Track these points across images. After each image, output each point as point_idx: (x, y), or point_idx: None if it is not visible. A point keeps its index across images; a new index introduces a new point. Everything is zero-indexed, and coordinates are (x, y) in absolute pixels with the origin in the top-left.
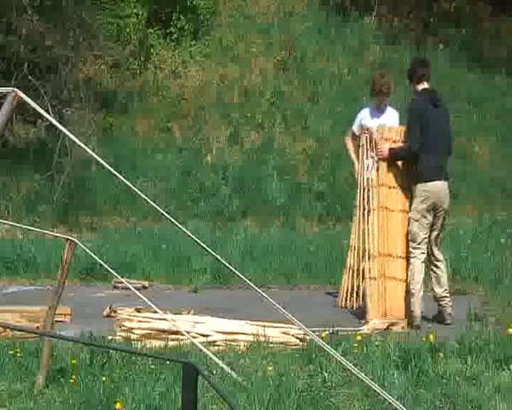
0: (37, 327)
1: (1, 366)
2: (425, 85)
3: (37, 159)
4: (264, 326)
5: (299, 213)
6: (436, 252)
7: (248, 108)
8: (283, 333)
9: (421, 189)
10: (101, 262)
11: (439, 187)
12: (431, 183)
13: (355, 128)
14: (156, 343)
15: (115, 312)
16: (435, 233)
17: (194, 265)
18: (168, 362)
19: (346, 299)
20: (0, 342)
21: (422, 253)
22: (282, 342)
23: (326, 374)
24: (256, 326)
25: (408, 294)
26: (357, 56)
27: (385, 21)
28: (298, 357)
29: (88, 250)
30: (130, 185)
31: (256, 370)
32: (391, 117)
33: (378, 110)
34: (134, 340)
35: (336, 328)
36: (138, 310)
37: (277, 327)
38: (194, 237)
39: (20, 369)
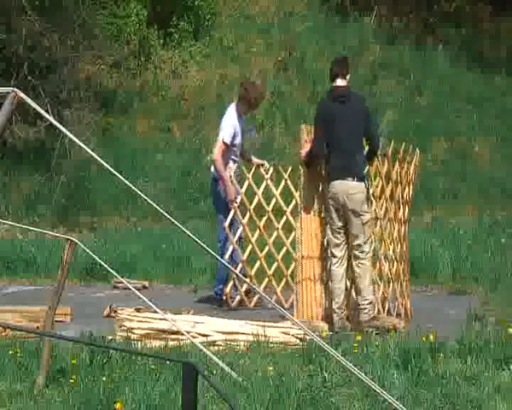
0: (37, 327)
1: (1, 366)
2: (336, 83)
3: (36, 159)
4: (264, 326)
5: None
6: (353, 263)
7: None
8: (283, 333)
9: (329, 189)
10: (101, 262)
11: (344, 186)
12: (336, 182)
13: (228, 139)
14: (156, 343)
15: (115, 312)
16: (351, 240)
17: (194, 265)
18: (168, 362)
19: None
20: (0, 342)
21: (339, 259)
22: (282, 342)
23: (326, 374)
24: (256, 326)
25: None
26: (357, 56)
27: (385, 21)
28: (298, 357)
29: (88, 250)
30: (131, 185)
31: (256, 370)
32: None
33: (242, 118)
34: (134, 340)
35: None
36: (138, 310)
37: (277, 327)
38: (194, 237)
39: (20, 369)
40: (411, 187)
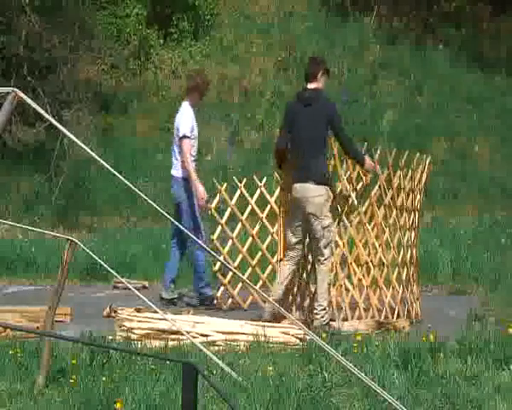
0: (37, 327)
1: (1, 366)
2: (306, 85)
3: (36, 159)
4: (264, 326)
5: None
6: (316, 267)
7: (248, 108)
8: (283, 333)
9: (292, 191)
10: (101, 262)
11: (299, 189)
12: (297, 185)
13: (189, 132)
14: (156, 343)
15: (115, 312)
16: (312, 243)
17: None
18: (168, 362)
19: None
20: (0, 342)
21: (291, 258)
22: (282, 342)
23: (326, 374)
24: (256, 326)
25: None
26: (357, 56)
27: (385, 21)
28: (298, 357)
29: (88, 250)
30: (131, 185)
31: (256, 370)
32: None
33: (195, 108)
34: (134, 340)
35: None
36: (138, 310)
37: (277, 327)
38: (194, 237)
39: (20, 369)
40: (420, 194)
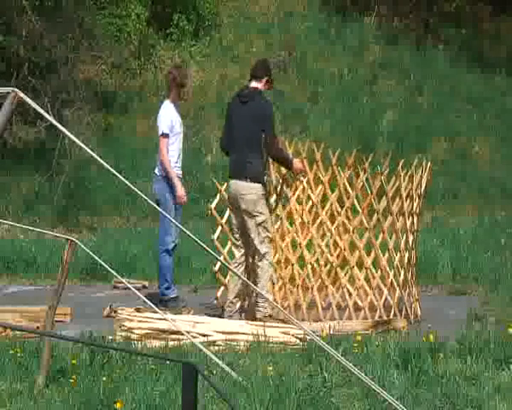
0: (37, 327)
1: (1, 366)
2: (249, 83)
3: (37, 159)
4: (264, 326)
5: None
6: (254, 263)
7: None
8: (283, 333)
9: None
10: (102, 262)
11: (233, 186)
12: (232, 181)
13: (166, 130)
14: (156, 343)
15: (115, 312)
16: (249, 241)
17: (195, 265)
18: (168, 362)
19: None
20: (0, 342)
21: (237, 259)
22: (282, 342)
23: (326, 374)
24: (256, 326)
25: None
26: (357, 56)
27: (385, 21)
28: (298, 357)
29: (88, 250)
30: (130, 185)
31: (256, 370)
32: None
33: (176, 104)
34: (134, 340)
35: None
36: (138, 310)
37: (277, 327)
38: (194, 237)
39: (20, 369)
40: (419, 198)
